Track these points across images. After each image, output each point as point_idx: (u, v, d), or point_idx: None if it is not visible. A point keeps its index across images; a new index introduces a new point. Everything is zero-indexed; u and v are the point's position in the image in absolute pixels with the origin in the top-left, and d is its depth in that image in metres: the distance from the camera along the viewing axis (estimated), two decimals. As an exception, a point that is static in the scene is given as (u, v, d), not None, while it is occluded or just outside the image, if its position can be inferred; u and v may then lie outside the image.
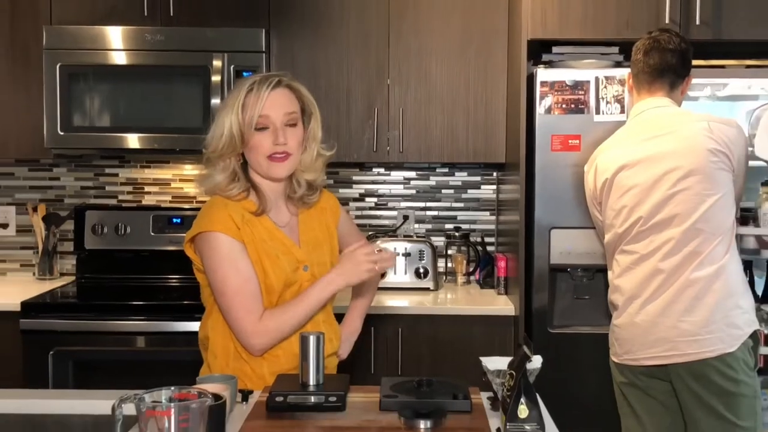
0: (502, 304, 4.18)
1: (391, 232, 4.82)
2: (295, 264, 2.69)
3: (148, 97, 4.32)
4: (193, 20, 4.35)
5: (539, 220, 3.90)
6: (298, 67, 4.38)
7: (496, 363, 2.39)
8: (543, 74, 3.87)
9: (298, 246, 2.73)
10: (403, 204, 4.97)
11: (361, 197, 4.94)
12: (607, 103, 3.83)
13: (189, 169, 4.93)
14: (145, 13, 4.35)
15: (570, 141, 3.85)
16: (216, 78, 4.25)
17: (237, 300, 2.60)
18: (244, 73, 4.23)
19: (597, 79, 3.84)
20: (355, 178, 4.96)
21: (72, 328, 4.02)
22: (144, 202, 4.96)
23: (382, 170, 4.96)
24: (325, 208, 2.88)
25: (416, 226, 4.95)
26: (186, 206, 4.91)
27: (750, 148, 3.52)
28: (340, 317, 3.00)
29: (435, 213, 4.96)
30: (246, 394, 2.45)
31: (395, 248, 4.49)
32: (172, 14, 4.35)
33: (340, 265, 2.67)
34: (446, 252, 4.89)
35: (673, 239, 3.21)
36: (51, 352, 3.98)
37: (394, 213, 4.96)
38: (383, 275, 4.18)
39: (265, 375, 2.64)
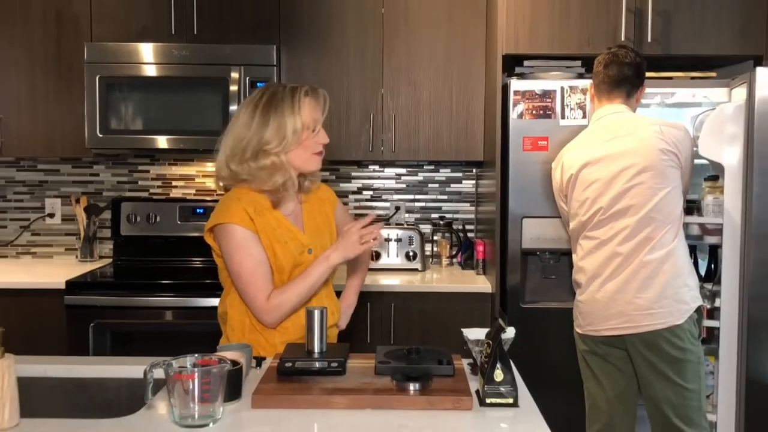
0: (481, 283, 4.16)
1: (384, 221, 4.81)
2: (300, 248, 2.68)
3: (175, 104, 4.31)
4: (213, 38, 4.34)
5: (512, 210, 3.89)
6: (304, 78, 4.36)
7: (475, 333, 2.38)
8: (516, 84, 3.85)
9: (303, 232, 2.72)
10: (395, 196, 4.96)
11: (359, 191, 4.93)
12: (571, 109, 3.82)
13: (210, 166, 4.91)
14: (173, 32, 4.34)
15: (539, 142, 3.84)
16: (233, 88, 4.23)
17: (251, 282, 2.61)
18: (258, 84, 4.23)
19: (562, 88, 3.83)
20: (353, 174, 4.94)
21: (110, 304, 4.01)
22: (171, 195, 4.95)
23: (377, 167, 4.95)
24: (324, 199, 2.88)
25: (406, 215, 4.93)
26: (208, 198, 4.90)
27: (695, 148, 3.53)
28: (338, 294, 2.99)
29: (422, 204, 4.95)
30: (259, 361, 2.45)
31: (388, 234, 4.50)
32: (195, 33, 4.34)
33: (336, 243, 2.67)
34: (432, 238, 4.88)
35: (629, 227, 3.20)
36: (91, 325, 3.97)
37: (387, 204, 4.95)
38: (375, 257, 4.19)
39: (277, 344, 2.64)
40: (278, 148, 2.61)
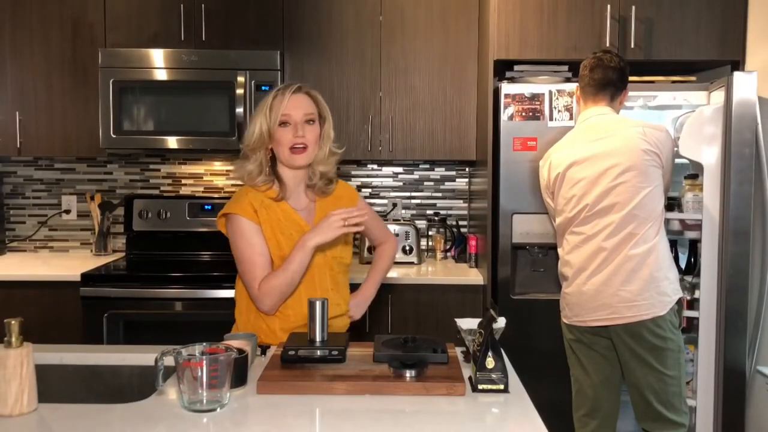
0: (473, 276, 4.16)
1: (382, 217, 4.80)
2: None
3: (184, 107, 4.30)
4: (220, 44, 4.34)
5: (503, 206, 3.89)
6: (306, 81, 4.26)
7: (468, 323, 2.38)
8: (506, 88, 3.85)
9: (311, 226, 2.69)
10: (393, 194, 4.95)
11: (358, 188, 4.92)
12: (559, 111, 3.82)
13: (218, 165, 4.92)
14: (182, 38, 4.34)
15: (528, 142, 3.84)
16: (240, 91, 4.23)
17: (249, 270, 2.62)
18: (263, 87, 4.23)
19: (550, 92, 3.83)
20: (353, 172, 4.94)
21: (123, 295, 4.01)
22: (181, 192, 4.94)
23: (375, 166, 4.94)
24: (342, 197, 2.84)
25: (403, 212, 4.93)
26: (215, 195, 4.90)
27: (676, 149, 3.53)
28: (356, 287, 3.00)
29: (418, 201, 4.94)
30: (264, 349, 2.45)
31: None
32: (204, 39, 4.34)
33: (316, 226, 2.61)
34: (427, 233, 4.88)
35: (613, 223, 3.20)
36: (105, 315, 3.97)
37: (385, 201, 4.94)
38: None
39: (276, 331, 2.65)
40: (250, 146, 2.67)
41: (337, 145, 2.78)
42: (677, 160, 3.53)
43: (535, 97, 3.83)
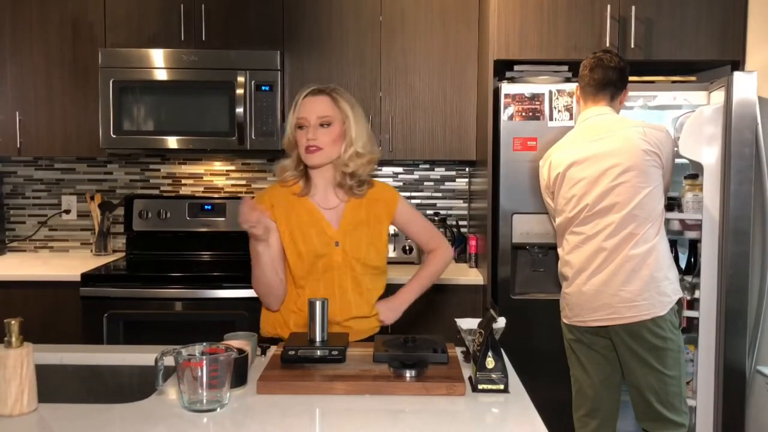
0: (473, 276, 4.15)
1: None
2: (326, 239, 2.69)
3: (184, 107, 4.29)
4: (220, 44, 4.34)
5: (503, 206, 3.89)
6: (306, 81, 4.33)
7: (468, 323, 2.38)
8: (506, 88, 3.85)
9: (334, 226, 2.72)
10: (393, 194, 4.95)
11: (359, 188, 4.92)
12: (559, 111, 3.82)
13: (218, 165, 4.92)
14: (182, 39, 4.34)
15: (528, 142, 3.84)
16: (240, 91, 4.22)
17: (256, 263, 2.69)
18: (263, 87, 4.23)
19: (550, 92, 3.82)
20: (353, 172, 4.93)
21: (122, 295, 4.00)
22: (181, 192, 4.94)
23: (375, 166, 4.94)
24: (379, 200, 2.82)
25: (403, 212, 4.92)
26: (215, 195, 4.90)
27: (676, 149, 3.53)
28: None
29: (418, 201, 4.94)
30: (264, 349, 2.46)
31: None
32: (203, 39, 4.34)
33: None
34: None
35: (614, 223, 3.20)
36: (105, 315, 3.96)
37: (385, 201, 4.94)
38: None
39: (290, 324, 2.69)
40: (286, 146, 2.77)
41: (368, 146, 2.77)
42: (677, 160, 3.53)
43: (535, 97, 3.83)
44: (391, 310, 2.88)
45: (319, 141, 2.65)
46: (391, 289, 2.94)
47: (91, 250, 4.84)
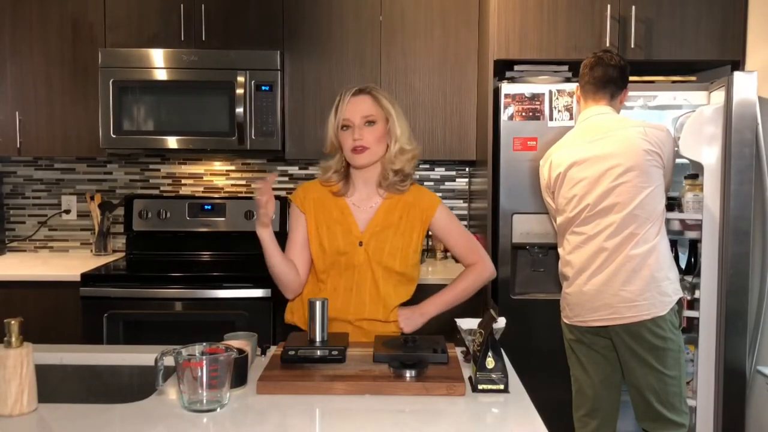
0: (473, 276, 4.15)
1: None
2: (350, 238, 2.72)
3: (184, 107, 4.29)
4: (220, 44, 4.34)
5: (503, 206, 3.89)
6: (306, 82, 4.37)
7: (468, 323, 2.38)
8: (506, 88, 3.85)
9: (360, 227, 2.74)
10: (393, 194, 4.95)
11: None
12: (559, 111, 3.82)
13: (218, 165, 4.92)
14: (182, 38, 4.34)
15: (528, 142, 3.84)
16: (240, 91, 4.22)
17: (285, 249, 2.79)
18: (263, 87, 4.24)
19: (550, 92, 3.82)
20: (353, 172, 4.94)
21: (122, 295, 4.00)
22: (181, 192, 4.94)
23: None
24: (416, 205, 2.81)
25: (403, 212, 4.92)
26: (215, 195, 4.90)
27: (676, 149, 3.53)
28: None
29: (418, 201, 4.93)
30: (264, 349, 2.45)
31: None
32: (204, 39, 4.34)
33: None
34: (428, 233, 4.86)
35: (614, 223, 3.20)
36: (105, 315, 3.96)
37: (385, 201, 4.94)
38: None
39: (306, 318, 2.67)
40: (326, 149, 2.80)
41: (413, 142, 2.81)
42: (678, 160, 3.53)
43: (535, 97, 3.83)
44: (411, 320, 2.80)
45: (365, 140, 2.68)
46: (425, 290, 2.93)
47: (91, 250, 4.84)
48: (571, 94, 3.80)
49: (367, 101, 2.72)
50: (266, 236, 2.64)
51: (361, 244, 2.71)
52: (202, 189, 4.95)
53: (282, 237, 2.73)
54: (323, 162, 2.84)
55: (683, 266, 3.87)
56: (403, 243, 2.76)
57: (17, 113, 4.41)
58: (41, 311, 4.03)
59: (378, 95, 2.74)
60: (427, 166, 4.94)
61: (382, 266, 2.72)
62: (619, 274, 3.19)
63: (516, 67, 3.96)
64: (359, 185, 2.79)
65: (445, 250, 4.77)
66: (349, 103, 2.70)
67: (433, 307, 2.85)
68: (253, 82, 4.25)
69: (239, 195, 4.90)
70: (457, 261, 3.03)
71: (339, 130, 2.71)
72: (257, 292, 3.95)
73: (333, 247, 2.71)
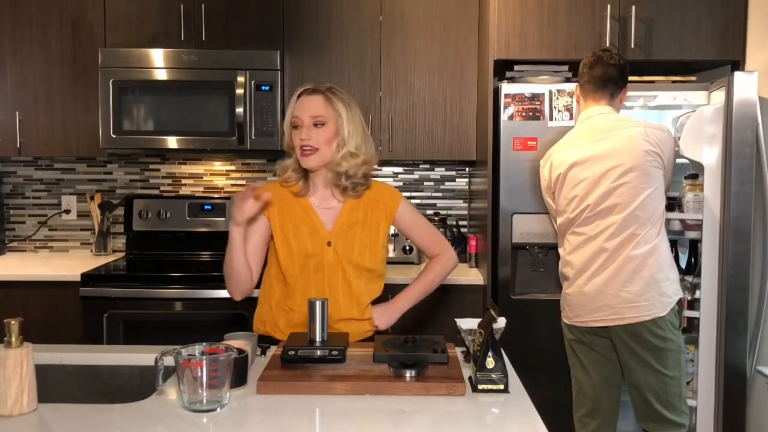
0: (473, 276, 4.15)
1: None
2: (318, 239, 2.69)
3: (184, 107, 4.29)
4: (220, 44, 4.35)
5: (503, 207, 3.89)
6: (306, 81, 4.29)
7: (468, 323, 2.38)
8: (506, 88, 3.85)
9: (327, 227, 2.71)
10: (393, 194, 4.95)
11: (359, 188, 4.92)
12: (559, 111, 3.82)
13: (218, 165, 4.92)
14: (182, 38, 4.34)
15: (528, 142, 3.84)
16: (240, 91, 4.23)
17: None
18: (263, 87, 4.24)
19: (550, 92, 3.82)
20: (353, 172, 4.93)
21: (122, 295, 4.01)
22: (181, 192, 4.94)
23: (375, 166, 4.93)
24: (378, 201, 2.79)
25: (403, 212, 4.92)
26: (215, 195, 4.90)
27: (676, 149, 3.53)
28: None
29: (418, 201, 4.94)
30: (264, 349, 2.45)
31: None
32: (203, 39, 4.34)
33: None
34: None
35: (615, 223, 3.20)
36: (105, 315, 3.97)
37: (385, 201, 4.94)
38: None
39: (281, 325, 2.70)
40: (286, 146, 2.77)
41: (364, 147, 2.74)
42: (678, 160, 3.53)
43: (535, 97, 3.83)
44: (386, 315, 2.86)
45: (313, 141, 2.64)
46: (389, 290, 2.94)
47: (91, 250, 4.84)
48: (571, 94, 3.80)
49: (318, 101, 2.68)
50: (238, 235, 2.63)
51: (329, 244, 2.69)
52: (202, 189, 4.95)
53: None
54: (281, 161, 2.81)
55: (683, 266, 3.87)
56: (371, 240, 2.76)
57: (17, 113, 4.41)
58: (41, 311, 4.03)
59: (332, 96, 2.70)
60: (427, 166, 4.94)
61: (352, 264, 2.71)
62: (619, 275, 3.19)
63: (516, 67, 3.96)
64: (319, 186, 2.76)
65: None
66: (300, 101, 2.69)
67: (405, 301, 2.93)
68: (253, 82, 4.25)
69: (239, 195, 4.89)
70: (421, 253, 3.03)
71: (290, 129, 2.70)
72: (257, 293, 3.94)
73: (301, 249, 2.68)
